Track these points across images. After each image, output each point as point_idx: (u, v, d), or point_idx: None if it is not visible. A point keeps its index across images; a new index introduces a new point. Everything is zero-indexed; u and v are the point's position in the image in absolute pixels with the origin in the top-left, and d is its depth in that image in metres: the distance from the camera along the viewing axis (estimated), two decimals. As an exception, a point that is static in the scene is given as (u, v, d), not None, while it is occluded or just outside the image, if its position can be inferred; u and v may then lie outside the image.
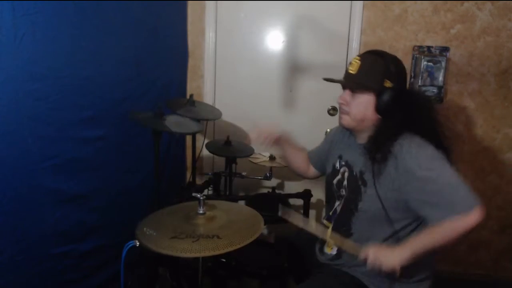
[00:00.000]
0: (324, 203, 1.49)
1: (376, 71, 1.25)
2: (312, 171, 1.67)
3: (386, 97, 1.24)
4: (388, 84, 1.24)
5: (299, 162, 1.67)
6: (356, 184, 1.31)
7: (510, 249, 2.54)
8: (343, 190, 1.38)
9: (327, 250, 1.41)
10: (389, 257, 1.17)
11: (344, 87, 1.33)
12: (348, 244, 1.29)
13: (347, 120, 1.32)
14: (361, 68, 1.27)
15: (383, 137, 1.24)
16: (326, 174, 1.51)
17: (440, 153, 1.20)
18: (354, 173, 1.33)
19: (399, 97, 1.24)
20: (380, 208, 1.24)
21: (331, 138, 1.59)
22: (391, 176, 1.21)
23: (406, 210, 1.22)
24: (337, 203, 1.42)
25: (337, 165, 1.44)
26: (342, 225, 1.35)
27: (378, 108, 1.26)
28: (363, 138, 1.34)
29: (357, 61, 1.28)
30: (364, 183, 1.28)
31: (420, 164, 1.17)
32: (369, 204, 1.27)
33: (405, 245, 1.19)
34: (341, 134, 1.51)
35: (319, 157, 1.62)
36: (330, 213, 1.43)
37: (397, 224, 1.25)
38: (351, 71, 1.29)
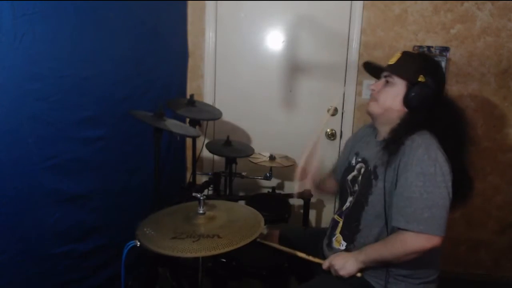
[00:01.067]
0: (338, 199, 1.53)
1: (413, 64, 1.30)
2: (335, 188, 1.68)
3: (416, 90, 1.26)
4: (421, 78, 1.26)
5: (331, 186, 1.70)
6: (369, 178, 1.33)
7: (510, 249, 2.55)
8: (357, 186, 1.39)
9: (336, 245, 1.42)
10: (344, 266, 1.27)
11: (380, 76, 1.39)
12: (313, 258, 1.39)
13: (374, 107, 1.36)
14: (399, 60, 1.33)
15: (402, 129, 1.25)
16: (341, 171, 1.53)
17: (444, 166, 1.17)
18: (369, 168, 1.35)
19: (429, 94, 1.26)
20: (383, 204, 1.25)
21: (349, 144, 1.62)
22: (395, 169, 1.22)
23: None
24: (349, 199, 1.43)
25: (353, 161, 1.46)
26: (353, 221, 1.36)
27: (406, 100, 1.28)
28: (384, 133, 1.35)
29: (398, 54, 1.35)
30: (376, 177, 1.30)
31: (416, 164, 1.16)
32: (377, 197, 1.28)
33: (360, 252, 1.26)
34: (360, 135, 1.54)
35: (341, 169, 1.60)
36: (343, 209, 1.44)
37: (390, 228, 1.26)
38: (390, 62, 1.35)
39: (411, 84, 1.27)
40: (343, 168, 1.53)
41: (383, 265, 1.25)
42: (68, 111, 1.52)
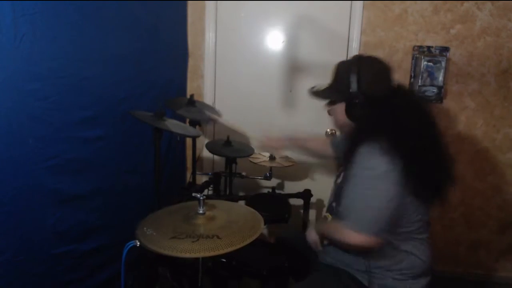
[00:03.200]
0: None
1: (343, 78, 1.30)
2: (330, 151, 1.77)
3: (351, 102, 1.28)
4: (353, 89, 1.26)
5: (316, 149, 1.84)
6: (343, 181, 1.36)
7: (510, 249, 2.55)
8: (337, 189, 1.42)
9: (324, 240, 1.46)
10: (310, 234, 1.44)
11: (320, 97, 1.43)
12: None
13: (334, 124, 1.44)
14: (334, 77, 1.37)
15: (348, 143, 1.30)
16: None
17: (384, 170, 1.16)
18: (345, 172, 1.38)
19: (366, 101, 1.25)
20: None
21: (342, 139, 1.65)
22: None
23: None
24: (333, 202, 1.45)
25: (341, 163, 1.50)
26: (338, 218, 1.37)
27: (347, 114, 1.31)
28: None
29: (334, 69, 1.39)
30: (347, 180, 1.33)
31: (354, 168, 1.22)
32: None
33: (322, 226, 1.43)
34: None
35: (338, 145, 1.69)
36: (334, 205, 1.44)
37: None
38: (329, 81, 1.39)
39: (346, 100, 1.30)
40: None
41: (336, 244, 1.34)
42: (68, 111, 1.52)
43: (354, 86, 1.25)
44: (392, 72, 1.31)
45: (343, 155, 1.33)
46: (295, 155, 2.33)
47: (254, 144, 2.40)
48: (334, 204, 1.43)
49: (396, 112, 1.22)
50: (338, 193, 1.39)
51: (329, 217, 1.45)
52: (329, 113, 1.43)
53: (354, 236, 1.19)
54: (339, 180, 1.44)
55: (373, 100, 1.24)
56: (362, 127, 1.27)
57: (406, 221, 1.27)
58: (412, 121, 1.22)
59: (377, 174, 1.17)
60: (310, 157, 1.89)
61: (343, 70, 1.32)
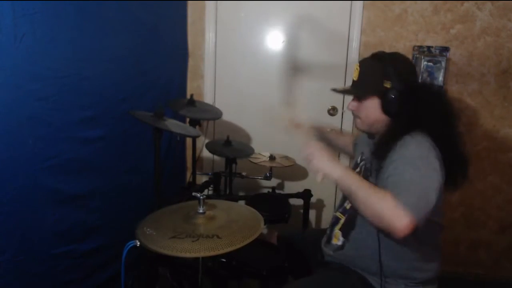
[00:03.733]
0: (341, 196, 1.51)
1: (373, 74, 1.28)
2: (350, 150, 1.73)
3: (388, 97, 1.25)
4: (387, 84, 1.25)
5: (340, 144, 1.81)
6: (365, 176, 1.35)
7: (510, 249, 2.55)
8: None
9: (334, 241, 1.42)
10: (322, 159, 1.22)
11: (350, 94, 1.39)
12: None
13: (360, 124, 1.38)
14: (360, 74, 1.32)
15: (387, 137, 1.25)
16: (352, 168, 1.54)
17: (434, 162, 1.14)
18: (367, 166, 1.38)
19: (402, 95, 1.24)
20: None
21: (357, 143, 1.64)
22: (385, 166, 1.21)
23: None
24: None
25: (359, 160, 1.48)
26: (352, 218, 1.36)
27: (384, 110, 1.27)
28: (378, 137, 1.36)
29: (357, 67, 1.34)
30: (371, 174, 1.32)
31: (407, 156, 1.15)
32: None
33: (342, 168, 1.21)
34: (365, 135, 1.54)
35: (357, 145, 1.65)
36: (346, 206, 1.43)
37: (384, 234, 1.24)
38: (353, 78, 1.35)
39: (381, 94, 1.27)
40: (352, 164, 1.55)
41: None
42: (68, 111, 1.52)
43: (394, 80, 1.24)
44: (414, 65, 1.33)
45: (374, 151, 1.27)
46: (295, 155, 2.34)
47: (257, 144, 2.39)
48: (347, 205, 1.43)
49: (433, 104, 1.23)
50: None
51: (342, 217, 1.43)
52: (354, 111, 1.37)
53: (398, 214, 1.03)
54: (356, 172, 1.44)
55: (410, 95, 1.23)
56: (400, 122, 1.24)
57: (432, 225, 1.25)
58: (447, 114, 1.23)
59: (436, 167, 1.13)
60: (332, 148, 1.82)
61: (374, 65, 1.30)
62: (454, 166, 1.21)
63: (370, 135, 1.44)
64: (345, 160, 2.43)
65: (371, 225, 1.25)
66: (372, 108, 1.30)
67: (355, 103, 1.36)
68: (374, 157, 1.28)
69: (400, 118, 1.25)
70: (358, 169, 1.44)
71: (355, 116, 1.38)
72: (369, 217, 1.13)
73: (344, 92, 1.39)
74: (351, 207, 1.39)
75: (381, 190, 1.12)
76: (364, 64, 1.33)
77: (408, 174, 1.11)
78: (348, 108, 1.40)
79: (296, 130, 1.79)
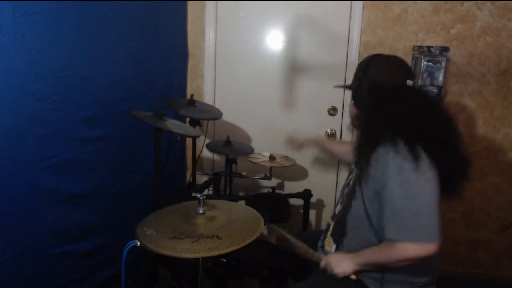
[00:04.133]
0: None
1: (357, 72, 1.36)
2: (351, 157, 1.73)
3: (359, 89, 1.32)
4: (364, 80, 1.30)
5: (340, 153, 1.84)
6: (355, 182, 1.34)
7: (510, 249, 2.55)
8: (347, 189, 1.41)
9: (327, 247, 1.43)
10: (339, 264, 1.27)
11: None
12: (313, 254, 1.40)
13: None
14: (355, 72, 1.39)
15: (364, 142, 1.25)
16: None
17: (426, 171, 1.13)
18: (357, 173, 1.36)
19: (375, 90, 1.26)
20: (364, 208, 1.25)
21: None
22: (375, 178, 1.20)
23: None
24: (338, 205, 1.45)
25: (353, 165, 1.47)
26: (341, 223, 1.37)
27: (354, 102, 1.35)
28: None
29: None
30: (360, 182, 1.30)
31: (397, 173, 1.14)
32: (359, 201, 1.28)
33: (357, 255, 1.25)
34: None
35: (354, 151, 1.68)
36: (336, 212, 1.44)
37: (381, 235, 1.24)
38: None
39: (355, 90, 1.36)
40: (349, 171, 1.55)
41: (380, 269, 1.25)
42: (68, 111, 1.52)
43: (366, 76, 1.29)
44: (407, 70, 1.32)
45: (356, 160, 1.31)
46: (295, 155, 2.34)
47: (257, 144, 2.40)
48: (336, 209, 1.43)
49: (410, 106, 1.22)
50: (345, 193, 1.39)
51: (331, 223, 1.43)
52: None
53: (414, 248, 1.09)
54: (347, 180, 1.44)
55: (381, 91, 1.25)
56: (370, 118, 1.25)
57: None
58: (428, 116, 1.22)
59: (421, 177, 1.12)
60: (333, 159, 1.92)
61: (363, 63, 1.36)
62: (448, 170, 1.19)
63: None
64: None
65: (364, 230, 1.27)
66: (351, 104, 1.38)
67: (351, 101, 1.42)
68: (357, 166, 1.30)
69: (369, 113, 1.26)
70: (350, 176, 1.44)
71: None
72: (402, 265, 1.17)
73: (342, 86, 1.53)
74: (340, 211, 1.40)
75: (386, 244, 1.16)
76: (360, 62, 1.39)
77: (406, 198, 1.12)
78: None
79: (294, 146, 1.90)
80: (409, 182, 1.12)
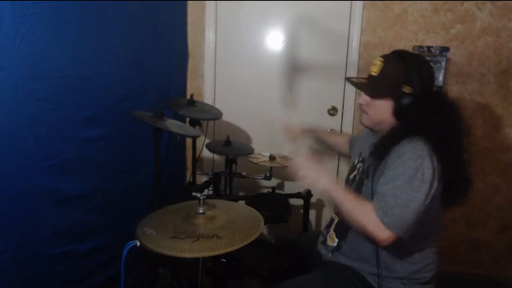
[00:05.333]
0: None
1: (395, 76, 1.24)
2: (346, 149, 1.72)
3: (403, 103, 1.22)
4: (406, 89, 1.22)
5: (335, 144, 1.78)
6: (362, 177, 1.35)
7: (510, 249, 2.54)
8: (354, 184, 1.41)
9: (329, 242, 1.43)
10: (307, 172, 1.26)
11: (365, 92, 1.33)
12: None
13: (366, 120, 1.35)
14: (382, 71, 1.27)
15: (391, 137, 1.24)
16: (348, 171, 1.54)
17: (427, 173, 1.14)
18: (364, 167, 1.37)
19: (417, 102, 1.21)
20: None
21: (354, 142, 1.64)
22: (382, 170, 1.22)
23: None
24: None
25: (356, 161, 1.47)
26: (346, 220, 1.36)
27: (396, 114, 1.25)
28: (379, 137, 1.35)
29: (380, 62, 1.28)
30: (367, 176, 1.31)
31: (399, 166, 1.15)
32: (366, 196, 1.27)
33: (328, 180, 1.25)
34: (364, 136, 1.54)
35: (353, 144, 1.66)
36: None
37: None
38: (372, 73, 1.30)
39: (397, 97, 1.24)
40: (350, 166, 1.54)
41: (333, 204, 1.26)
42: (68, 111, 1.52)
43: (415, 87, 1.20)
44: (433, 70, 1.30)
45: (373, 151, 1.27)
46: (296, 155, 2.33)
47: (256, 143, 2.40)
48: None
49: (443, 116, 1.20)
50: (352, 188, 1.38)
51: (336, 218, 1.44)
52: (363, 106, 1.33)
53: (380, 228, 1.11)
54: (352, 176, 1.44)
55: (424, 103, 1.21)
56: (407, 128, 1.21)
57: (429, 228, 1.27)
58: (455, 126, 1.22)
59: (425, 178, 1.13)
60: (327, 150, 1.85)
61: (397, 65, 1.25)
62: (453, 182, 1.21)
63: (372, 131, 1.42)
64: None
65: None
66: (383, 109, 1.27)
67: (367, 98, 1.30)
68: (372, 157, 1.27)
69: (407, 123, 1.23)
70: (355, 172, 1.43)
71: (363, 111, 1.34)
72: (355, 227, 1.19)
73: (359, 87, 1.34)
74: None
75: (365, 203, 1.18)
76: (388, 61, 1.27)
77: (395, 187, 1.14)
78: (358, 101, 1.36)
79: (290, 134, 1.82)
80: (406, 175, 1.13)
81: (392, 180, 1.15)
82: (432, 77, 1.28)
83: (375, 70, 1.28)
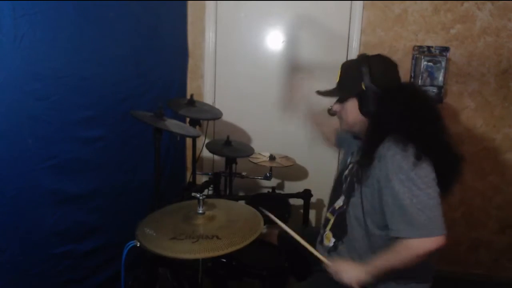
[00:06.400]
0: (329, 195, 1.51)
1: (352, 76, 1.31)
2: (333, 141, 1.78)
3: (364, 98, 1.27)
4: (362, 86, 1.26)
5: (324, 132, 1.84)
6: (352, 180, 1.35)
7: (510, 249, 2.54)
8: (345, 186, 1.41)
9: (326, 241, 1.43)
10: (349, 274, 1.25)
11: (332, 96, 1.40)
12: (319, 255, 1.38)
13: (343, 125, 1.41)
14: (340, 77, 1.37)
15: (367, 143, 1.27)
16: (340, 168, 1.55)
17: (424, 167, 1.15)
18: (353, 170, 1.37)
19: (377, 96, 1.25)
20: (361, 208, 1.27)
21: (347, 138, 1.63)
22: (376, 177, 1.21)
23: (380, 221, 1.23)
24: (341, 197, 1.44)
25: (349, 160, 1.48)
26: (342, 220, 1.37)
27: (361, 110, 1.30)
28: None
29: (339, 70, 1.37)
30: (358, 180, 1.31)
31: (398, 172, 1.15)
32: (357, 200, 1.29)
33: (367, 265, 1.24)
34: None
35: (340, 137, 1.70)
36: (336, 206, 1.44)
37: (372, 237, 1.26)
38: (337, 80, 1.38)
39: (358, 95, 1.29)
40: (342, 164, 1.54)
41: (392, 275, 1.23)
42: (68, 111, 1.52)
43: (366, 81, 1.25)
44: (398, 68, 1.32)
45: (359, 160, 1.29)
46: (295, 155, 2.34)
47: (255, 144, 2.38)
48: (336, 205, 1.42)
49: (411, 106, 1.22)
50: (344, 190, 1.39)
51: (331, 217, 1.44)
52: (337, 113, 1.40)
53: (425, 243, 1.12)
54: (345, 174, 1.44)
55: (386, 95, 1.24)
56: (377, 123, 1.24)
57: None
58: (427, 116, 1.23)
59: (420, 173, 1.14)
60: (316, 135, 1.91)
61: (352, 67, 1.32)
62: (442, 166, 1.20)
63: (356, 137, 1.44)
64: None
65: (361, 227, 1.28)
66: (351, 109, 1.33)
67: (337, 105, 1.39)
68: (359, 166, 1.30)
69: (376, 119, 1.26)
70: (347, 172, 1.44)
71: (338, 117, 1.41)
72: (417, 263, 1.16)
73: (325, 94, 1.41)
74: (340, 207, 1.40)
75: (395, 246, 1.17)
76: (345, 66, 1.37)
77: (406, 196, 1.13)
78: (332, 110, 1.43)
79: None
80: (410, 179, 1.14)
81: (400, 191, 1.14)
82: (388, 71, 1.31)
83: (337, 77, 1.38)
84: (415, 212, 1.12)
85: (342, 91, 1.36)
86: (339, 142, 1.72)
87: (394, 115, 1.21)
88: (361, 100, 1.29)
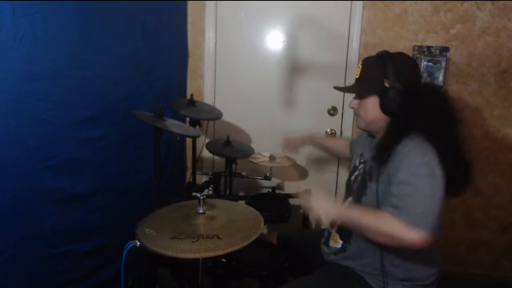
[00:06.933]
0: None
1: (375, 73, 1.29)
2: (347, 153, 1.78)
3: (387, 96, 1.25)
4: (387, 83, 1.25)
5: (335, 148, 1.86)
6: (364, 178, 1.35)
7: (510, 249, 2.55)
8: (355, 185, 1.41)
9: (332, 243, 1.42)
10: (321, 205, 1.24)
11: (352, 93, 1.38)
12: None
13: (360, 122, 1.39)
14: (362, 73, 1.33)
15: (387, 140, 1.24)
16: (350, 171, 1.54)
17: (436, 169, 1.14)
18: (366, 169, 1.37)
19: (401, 95, 1.23)
20: (375, 206, 1.25)
21: (354, 144, 1.66)
22: (388, 172, 1.21)
23: None
24: (349, 198, 1.44)
25: (357, 162, 1.47)
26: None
27: (383, 108, 1.27)
28: (379, 138, 1.36)
29: (360, 65, 1.34)
30: (370, 178, 1.31)
31: (409, 165, 1.15)
32: (370, 198, 1.28)
33: (343, 208, 1.28)
34: (364, 136, 1.55)
35: (354, 147, 1.69)
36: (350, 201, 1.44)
37: None
38: (356, 76, 1.36)
39: (381, 93, 1.27)
40: (350, 167, 1.55)
41: (356, 232, 1.24)
42: (68, 111, 1.52)
43: (392, 79, 1.24)
44: (418, 65, 1.32)
45: (374, 155, 1.27)
46: (295, 155, 2.34)
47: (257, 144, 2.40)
48: (347, 203, 1.42)
49: (436, 107, 1.21)
50: (355, 189, 1.39)
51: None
52: (354, 109, 1.38)
53: (406, 230, 1.08)
54: (353, 177, 1.44)
55: (411, 94, 1.22)
56: (399, 122, 1.23)
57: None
58: (448, 116, 1.22)
59: (431, 173, 1.13)
60: (330, 155, 1.96)
61: (375, 64, 1.30)
62: (454, 171, 1.20)
63: (370, 134, 1.44)
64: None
65: None
66: (372, 107, 1.30)
67: (356, 101, 1.36)
68: (374, 161, 1.28)
69: (399, 118, 1.24)
70: (356, 172, 1.44)
71: (356, 114, 1.39)
72: (382, 241, 1.15)
73: (344, 90, 1.39)
74: (356, 202, 1.40)
75: (381, 212, 1.15)
76: (367, 62, 1.34)
77: (410, 187, 1.12)
78: (349, 106, 1.40)
79: (290, 148, 1.92)
80: (419, 174, 1.13)
81: (405, 181, 1.14)
82: (411, 70, 1.30)
83: (357, 73, 1.35)
84: (414, 202, 1.11)
85: (363, 88, 1.33)
86: (352, 150, 1.71)
87: (421, 115, 1.20)
88: (383, 98, 1.26)
